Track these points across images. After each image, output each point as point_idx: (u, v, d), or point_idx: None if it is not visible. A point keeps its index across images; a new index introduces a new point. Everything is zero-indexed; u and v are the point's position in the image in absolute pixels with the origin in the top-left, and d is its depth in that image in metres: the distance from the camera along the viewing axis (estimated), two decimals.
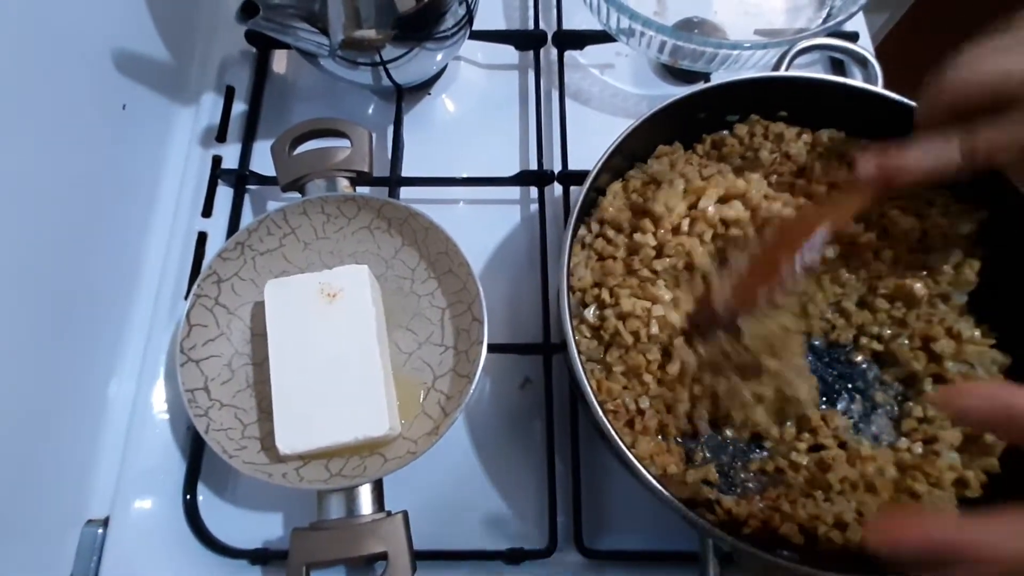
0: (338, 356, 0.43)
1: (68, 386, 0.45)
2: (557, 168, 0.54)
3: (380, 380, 0.43)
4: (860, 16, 0.61)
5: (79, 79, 0.46)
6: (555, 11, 0.62)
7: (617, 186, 0.48)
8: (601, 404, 0.38)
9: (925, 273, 0.45)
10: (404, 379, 0.46)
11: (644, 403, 0.42)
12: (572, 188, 0.54)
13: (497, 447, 0.48)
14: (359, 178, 0.50)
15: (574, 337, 0.39)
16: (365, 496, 0.41)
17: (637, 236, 0.45)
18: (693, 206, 0.45)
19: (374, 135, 0.51)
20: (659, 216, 0.44)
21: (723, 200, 0.46)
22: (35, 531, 0.42)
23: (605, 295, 0.44)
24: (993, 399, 0.27)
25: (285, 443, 0.41)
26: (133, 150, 0.52)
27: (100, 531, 0.45)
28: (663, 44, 0.52)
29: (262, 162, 0.55)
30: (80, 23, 0.45)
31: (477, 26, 0.55)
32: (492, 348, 0.44)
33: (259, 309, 0.47)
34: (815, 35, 0.49)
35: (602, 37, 0.58)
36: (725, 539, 0.35)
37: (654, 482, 0.36)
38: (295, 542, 0.39)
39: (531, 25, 0.62)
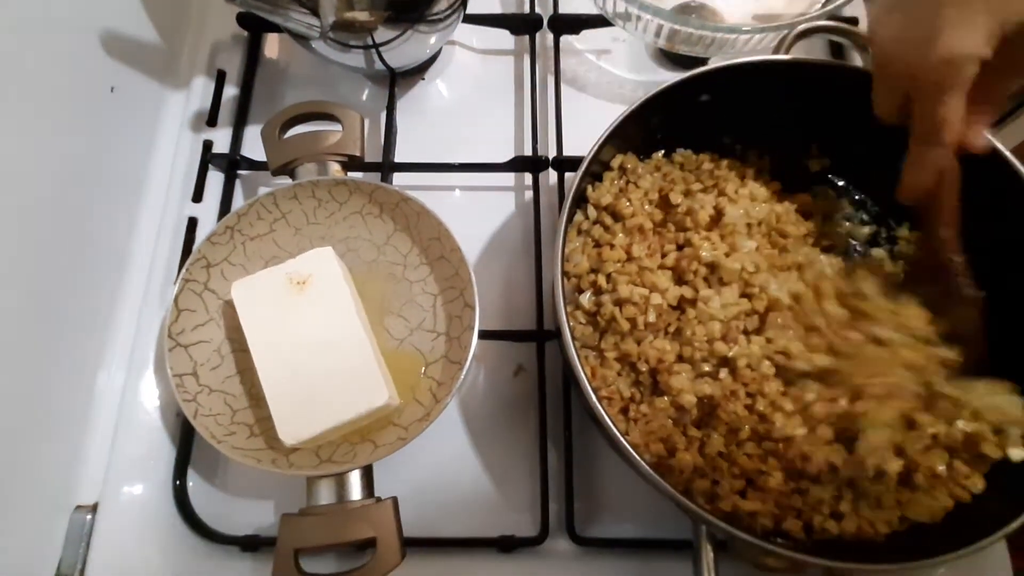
0: (323, 339, 0.43)
1: (57, 372, 0.45)
2: (552, 154, 0.54)
3: (370, 353, 0.42)
4: (859, 1, 0.60)
5: (66, 60, 0.45)
6: None
7: (614, 173, 0.47)
8: (595, 391, 0.37)
9: None
10: (395, 365, 0.45)
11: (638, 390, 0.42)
12: (567, 174, 0.53)
13: (490, 435, 0.48)
14: (351, 163, 0.49)
15: (568, 323, 0.39)
16: (355, 482, 0.40)
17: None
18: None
19: (367, 120, 0.50)
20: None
21: None
22: (24, 517, 0.42)
23: (602, 281, 0.44)
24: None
25: (288, 435, 0.40)
26: (122, 134, 0.52)
27: (89, 517, 0.45)
28: (660, 28, 0.51)
29: (253, 147, 0.54)
30: (68, 2, 0.44)
31: (471, 9, 0.54)
32: (485, 335, 0.44)
33: None
34: (815, 18, 0.48)
35: (599, 21, 0.57)
36: (720, 526, 0.35)
37: (649, 470, 0.35)
38: (284, 527, 0.39)
39: (527, 9, 0.61)
